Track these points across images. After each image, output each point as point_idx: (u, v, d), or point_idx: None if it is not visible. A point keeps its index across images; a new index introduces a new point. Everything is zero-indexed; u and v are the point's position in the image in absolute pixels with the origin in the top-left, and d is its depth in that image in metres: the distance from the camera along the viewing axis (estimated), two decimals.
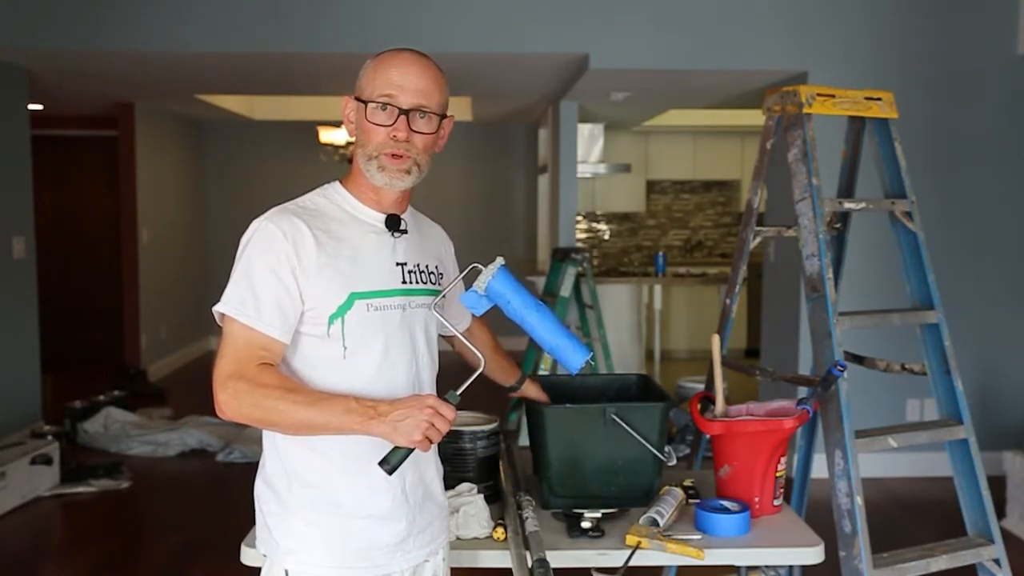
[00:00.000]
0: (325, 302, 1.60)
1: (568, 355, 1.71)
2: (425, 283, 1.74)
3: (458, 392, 1.56)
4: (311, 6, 4.84)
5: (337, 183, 1.73)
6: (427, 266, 1.76)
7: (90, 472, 5.09)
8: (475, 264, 1.67)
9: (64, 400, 6.12)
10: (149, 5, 4.81)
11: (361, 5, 4.85)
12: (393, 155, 1.64)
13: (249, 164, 9.32)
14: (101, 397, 6.20)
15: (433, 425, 1.49)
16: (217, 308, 1.59)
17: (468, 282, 1.71)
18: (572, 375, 1.77)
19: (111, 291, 8.13)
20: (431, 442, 1.50)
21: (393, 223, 1.70)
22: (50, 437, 5.22)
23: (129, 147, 7.55)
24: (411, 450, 1.51)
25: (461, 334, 1.79)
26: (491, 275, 1.62)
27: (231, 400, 1.52)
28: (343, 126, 1.73)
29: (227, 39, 4.87)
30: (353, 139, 1.71)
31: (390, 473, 1.52)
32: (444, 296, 1.73)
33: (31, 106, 6.39)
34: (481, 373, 1.69)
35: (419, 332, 1.71)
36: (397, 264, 1.69)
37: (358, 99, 1.66)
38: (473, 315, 2.00)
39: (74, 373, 7.90)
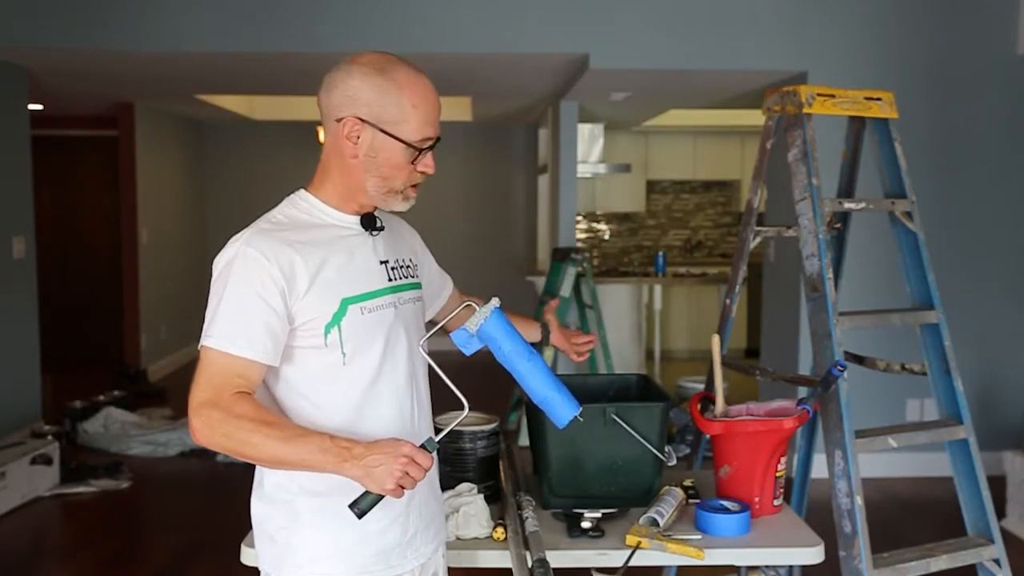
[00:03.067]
0: (319, 313, 1.58)
1: (557, 408, 1.61)
2: (406, 277, 1.74)
3: (437, 439, 1.53)
4: (310, 6, 4.84)
5: (303, 191, 1.68)
6: (406, 260, 1.77)
7: (90, 472, 5.09)
8: (469, 303, 1.62)
9: (64, 400, 6.13)
10: (149, 5, 4.81)
11: (361, 5, 4.85)
12: (415, 185, 1.66)
13: (249, 164, 9.32)
14: (101, 397, 6.21)
15: (407, 474, 1.45)
16: (206, 344, 1.53)
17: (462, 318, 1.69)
18: (559, 426, 1.65)
19: (111, 291, 8.13)
20: (404, 490, 1.47)
21: (369, 222, 1.68)
22: (50, 437, 5.22)
23: (129, 147, 7.55)
24: (382, 496, 1.48)
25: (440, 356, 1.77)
26: (484, 317, 1.57)
27: (204, 429, 1.50)
28: (338, 143, 1.62)
29: (227, 39, 4.87)
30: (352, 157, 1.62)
31: (359, 517, 1.49)
32: (428, 337, 1.71)
33: (31, 106, 6.39)
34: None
35: (410, 327, 1.70)
36: (381, 262, 1.68)
37: (382, 130, 1.59)
38: (452, 286, 2.06)
39: (74, 373, 7.89)
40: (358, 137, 1.60)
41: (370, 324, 1.62)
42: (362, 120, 1.59)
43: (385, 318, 1.65)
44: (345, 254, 1.63)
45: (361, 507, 1.48)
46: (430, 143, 1.62)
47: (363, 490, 1.48)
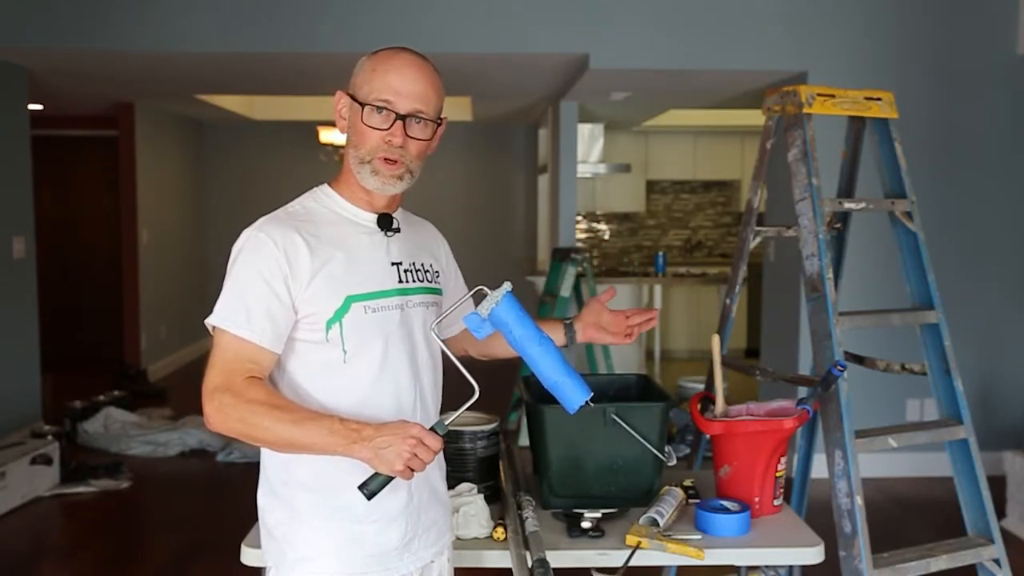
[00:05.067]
0: (322, 307, 1.58)
1: (568, 393, 1.60)
2: (421, 281, 1.72)
3: (447, 422, 1.52)
4: (310, 6, 4.84)
5: (326, 186, 1.71)
6: (422, 264, 1.75)
7: (90, 472, 5.09)
8: (481, 287, 1.61)
9: (64, 400, 6.12)
10: (149, 5, 4.81)
11: (361, 5, 4.85)
12: (387, 160, 1.62)
13: (249, 164, 9.32)
14: (101, 397, 6.21)
15: (416, 455, 1.45)
16: (208, 321, 1.58)
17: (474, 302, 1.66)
18: (569, 411, 1.63)
19: (111, 291, 8.12)
20: (413, 472, 1.47)
21: (385, 222, 1.68)
22: (50, 437, 5.22)
23: (129, 147, 7.55)
24: (391, 477, 1.48)
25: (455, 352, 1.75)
26: (495, 301, 1.56)
27: (217, 413, 1.51)
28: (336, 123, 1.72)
29: (227, 39, 4.87)
30: (344, 135, 1.69)
31: (369, 498, 1.49)
32: (441, 320, 1.67)
33: (31, 106, 6.40)
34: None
35: (418, 331, 1.69)
36: (392, 264, 1.68)
37: (353, 97, 1.64)
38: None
39: (74, 373, 7.89)
40: (343, 109, 1.67)
41: (373, 324, 1.62)
42: (345, 92, 1.67)
43: (389, 319, 1.64)
44: (355, 251, 1.64)
45: (371, 488, 1.48)
46: (392, 111, 1.60)
47: (372, 472, 1.49)
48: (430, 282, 1.75)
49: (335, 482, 1.57)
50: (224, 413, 1.51)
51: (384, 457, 1.46)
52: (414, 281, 1.70)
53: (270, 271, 1.56)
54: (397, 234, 1.70)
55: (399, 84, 1.61)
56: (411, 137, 1.62)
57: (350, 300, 1.60)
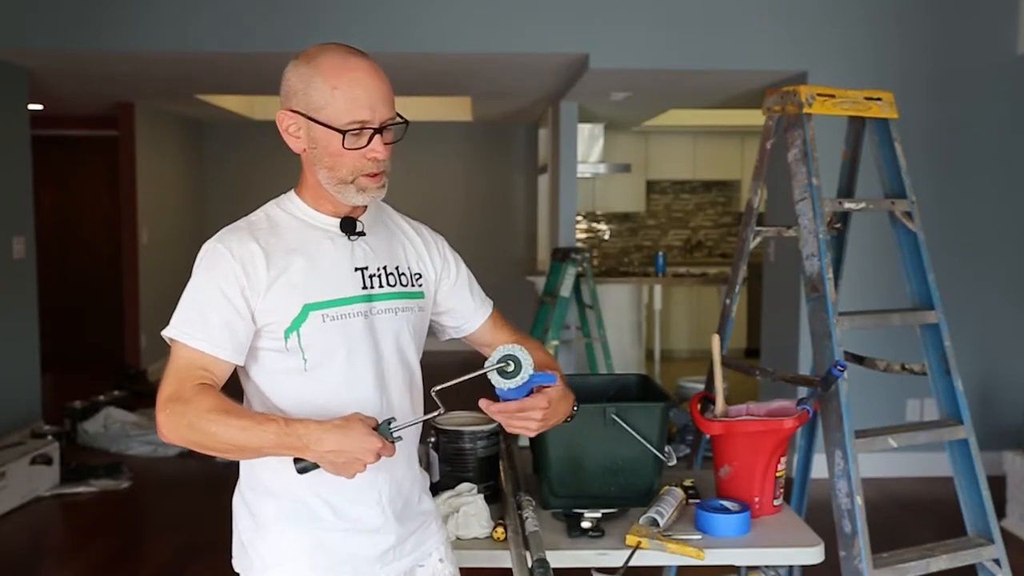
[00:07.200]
0: (280, 316, 1.54)
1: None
2: (393, 286, 1.64)
3: (394, 428, 1.48)
4: (310, 6, 4.84)
5: (292, 192, 1.66)
6: (396, 268, 1.66)
7: (90, 472, 5.09)
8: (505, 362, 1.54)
9: (64, 400, 6.13)
10: (149, 5, 4.81)
11: (361, 5, 4.85)
12: (370, 175, 1.55)
13: (249, 164, 9.31)
14: (101, 397, 6.20)
15: (358, 459, 1.44)
16: (165, 333, 1.53)
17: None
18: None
19: (111, 291, 8.12)
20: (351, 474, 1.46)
21: (348, 226, 1.62)
22: (50, 437, 5.22)
23: (129, 147, 7.55)
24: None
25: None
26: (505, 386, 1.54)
27: (168, 421, 1.46)
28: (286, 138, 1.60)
29: (227, 39, 4.87)
30: (301, 153, 1.61)
31: (300, 472, 1.46)
32: (446, 386, 1.54)
33: (31, 106, 6.39)
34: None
35: (386, 338, 1.62)
36: (356, 269, 1.61)
37: (312, 119, 1.54)
38: (489, 315, 1.85)
39: (74, 373, 7.89)
40: (298, 130, 1.58)
41: (332, 332, 1.56)
42: (293, 111, 1.57)
43: (350, 327, 1.58)
44: (316, 258, 1.58)
45: (304, 465, 1.47)
46: (369, 128, 1.52)
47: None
48: (405, 286, 1.66)
49: (300, 488, 1.54)
50: (176, 420, 1.45)
51: (325, 460, 1.44)
52: (383, 286, 1.63)
53: (227, 282, 1.52)
54: (364, 238, 1.64)
55: (367, 97, 1.52)
56: (387, 144, 1.57)
57: (307, 308, 1.55)
